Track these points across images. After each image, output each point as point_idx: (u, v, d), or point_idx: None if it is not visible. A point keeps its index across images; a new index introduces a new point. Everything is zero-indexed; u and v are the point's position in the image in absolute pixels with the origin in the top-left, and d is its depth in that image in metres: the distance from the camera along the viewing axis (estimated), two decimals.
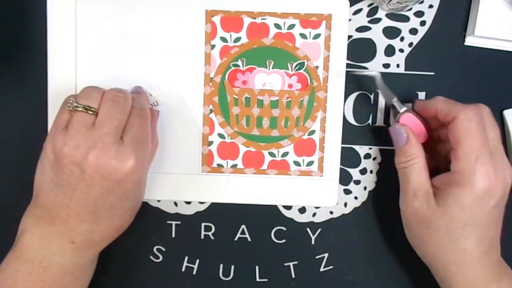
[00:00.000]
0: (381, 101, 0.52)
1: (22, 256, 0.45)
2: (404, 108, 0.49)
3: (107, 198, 0.45)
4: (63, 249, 0.45)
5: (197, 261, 0.54)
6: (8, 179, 0.53)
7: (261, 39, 0.51)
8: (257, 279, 0.53)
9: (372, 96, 0.52)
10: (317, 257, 0.53)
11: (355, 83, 0.52)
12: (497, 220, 0.46)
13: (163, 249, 0.53)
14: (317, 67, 0.51)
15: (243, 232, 0.53)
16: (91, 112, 0.44)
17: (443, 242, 0.45)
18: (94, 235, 0.46)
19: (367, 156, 0.53)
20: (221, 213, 0.53)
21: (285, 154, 0.52)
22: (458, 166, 0.44)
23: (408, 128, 0.47)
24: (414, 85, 0.52)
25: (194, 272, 0.54)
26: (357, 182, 0.53)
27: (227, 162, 0.52)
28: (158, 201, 0.53)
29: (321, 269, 0.54)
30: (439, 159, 0.49)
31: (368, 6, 0.52)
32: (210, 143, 0.52)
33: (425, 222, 0.46)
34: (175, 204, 0.53)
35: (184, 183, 0.52)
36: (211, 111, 0.51)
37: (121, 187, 0.44)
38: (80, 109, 0.44)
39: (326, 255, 0.53)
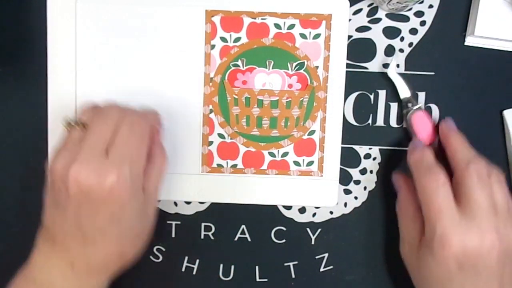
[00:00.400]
0: (381, 101, 0.52)
1: (28, 275, 0.45)
2: (417, 106, 0.50)
3: (94, 219, 0.42)
4: (63, 273, 0.44)
5: (197, 261, 0.54)
6: (8, 178, 0.53)
7: (261, 39, 0.51)
8: (257, 279, 0.53)
9: (372, 96, 0.52)
10: (317, 257, 0.53)
11: (355, 83, 0.52)
12: (474, 284, 0.43)
13: (163, 249, 0.53)
14: (317, 67, 0.51)
15: (243, 232, 0.53)
16: (81, 127, 0.44)
17: None
18: (92, 260, 0.44)
19: (367, 156, 0.53)
20: (221, 213, 0.53)
21: (285, 154, 0.52)
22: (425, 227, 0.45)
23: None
24: (414, 85, 0.52)
25: (194, 272, 0.54)
26: (357, 182, 0.53)
27: (227, 162, 0.52)
28: (158, 201, 0.53)
29: (321, 269, 0.54)
30: None
31: (368, 6, 0.52)
32: (210, 143, 0.52)
33: (407, 266, 0.49)
34: (175, 204, 0.53)
35: (184, 183, 0.52)
36: (211, 111, 0.51)
37: (106, 207, 0.42)
38: (72, 124, 0.44)
39: (326, 255, 0.53)
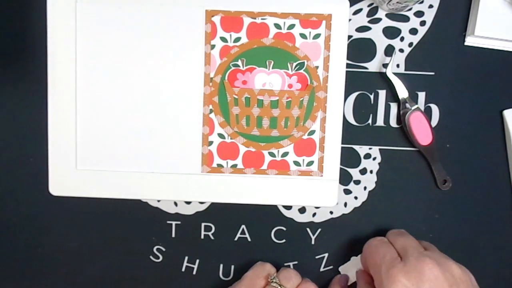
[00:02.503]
0: (381, 101, 0.52)
1: None
2: (415, 106, 0.50)
3: None
4: None
5: (197, 261, 0.54)
6: (8, 179, 0.53)
7: (261, 39, 0.51)
8: None
9: (372, 96, 0.52)
10: (317, 257, 0.54)
11: (355, 83, 0.52)
12: None
13: (163, 249, 0.53)
14: (317, 67, 0.51)
15: (243, 232, 0.53)
16: None
17: None
18: None
19: (367, 156, 0.53)
20: (221, 213, 0.53)
21: (285, 154, 0.52)
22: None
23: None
24: (414, 85, 0.52)
25: (194, 272, 0.54)
26: (357, 182, 0.53)
27: (227, 162, 0.52)
28: (158, 201, 0.53)
29: (321, 269, 0.54)
30: None
31: (368, 6, 0.52)
32: (210, 143, 0.52)
33: None
34: (175, 204, 0.53)
35: (184, 183, 0.52)
36: (211, 111, 0.51)
37: None
38: (274, 285, 0.47)
39: (326, 255, 0.53)
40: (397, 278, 0.42)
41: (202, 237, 0.53)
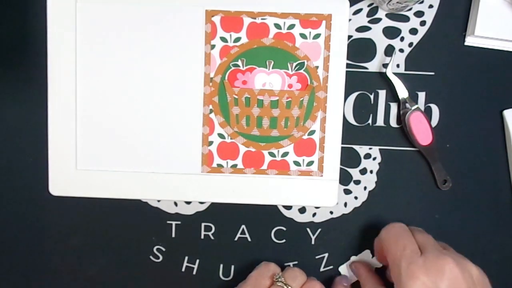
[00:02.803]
0: (381, 101, 0.52)
1: None
2: (415, 106, 0.50)
3: None
4: None
5: (197, 261, 0.54)
6: (8, 179, 0.53)
7: (261, 39, 0.51)
8: None
9: (372, 96, 0.52)
10: (317, 257, 0.54)
11: (355, 83, 0.52)
12: None
13: (163, 249, 0.53)
14: (317, 67, 0.51)
15: (243, 232, 0.53)
16: None
17: None
18: None
19: (367, 156, 0.53)
20: (221, 213, 0.53)
21: (285, 154, 0.52)
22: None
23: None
24: (414, 85, 0.52)
25: (194, 272, 0.54)
26: (357, 182, 0.53)
27: (227, 162, 0.52)
28: (158, 201, 0.53)
29: (321, 269, 0.54)
30: None
31: (368, 6, 0.52)
32: (210, 143, 0.52)
33: None
34: (175, 204, 0.53)
35: (184, 183, 0.52)
36: (211, 111, 0.51)
37: None
38: (280, 284, 0.48)
39: (326, 255, 0.53)
40: (416, 274, 0.42)
41: (202, 237, 0.53)
